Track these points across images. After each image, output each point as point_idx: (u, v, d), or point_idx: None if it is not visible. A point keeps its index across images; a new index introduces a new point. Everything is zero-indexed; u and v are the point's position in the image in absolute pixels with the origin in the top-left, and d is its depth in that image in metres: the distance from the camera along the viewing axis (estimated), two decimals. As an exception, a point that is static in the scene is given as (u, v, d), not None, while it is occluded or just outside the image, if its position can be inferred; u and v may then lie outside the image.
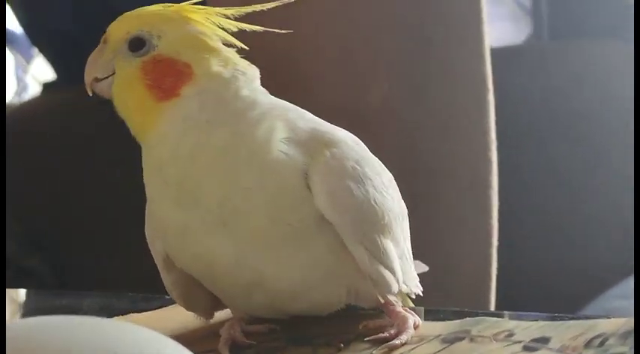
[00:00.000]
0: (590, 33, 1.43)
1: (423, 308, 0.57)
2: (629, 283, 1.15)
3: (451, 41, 0.86)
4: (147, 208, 0.54)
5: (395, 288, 0.53)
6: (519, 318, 0.53)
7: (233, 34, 0.53)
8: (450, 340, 0.51)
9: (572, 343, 0.48)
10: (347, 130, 0.55)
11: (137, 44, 0.52)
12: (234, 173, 0.50)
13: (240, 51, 0.54)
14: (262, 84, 0.54)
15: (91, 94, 0.54)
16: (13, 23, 1.35)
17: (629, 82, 1.11)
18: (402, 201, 0.56)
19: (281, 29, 0.54)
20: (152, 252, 0.55)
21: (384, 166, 0.55)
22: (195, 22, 0.53)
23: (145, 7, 0.53)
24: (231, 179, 0.50)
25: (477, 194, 0.87)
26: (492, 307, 0.86)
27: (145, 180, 0.53)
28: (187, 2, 0.54)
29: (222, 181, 0.50)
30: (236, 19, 0.53)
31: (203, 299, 0.56)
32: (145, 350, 0.38)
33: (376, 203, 0.52)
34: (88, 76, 0.53)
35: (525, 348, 0.49)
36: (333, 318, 0.55)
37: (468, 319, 0.53)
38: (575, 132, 1.36)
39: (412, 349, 0.51)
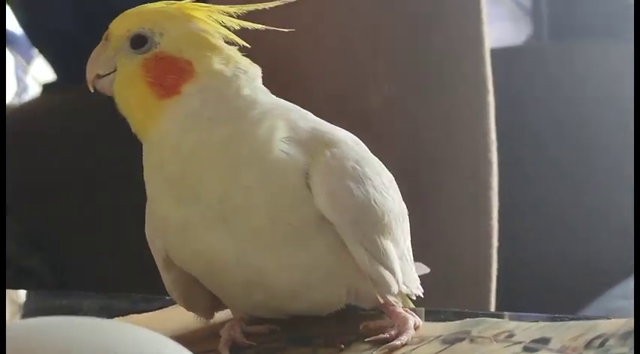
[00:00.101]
0: (590, 33, 1.43)
1: (423, 309, 0.57)
2: (629, 283, 1.15)
3: (451, 42, 0.86)
4: (147, 207, 0.54)
5: (395, 288, 0.53)
6: (519, 319, 0.53)
7: (234, 32, 0.53)
8: (451, 340, 0.51)
9: (573, 344, 0.48)
10: (347, 129, 0.55)
11: (139, 41, 0.52)
12: (235, 171, 0.50)
13: (241, 49, 0.54)
14: (263, 82, 0.54)
15: (92, 91, 0.54)
16: (13, 24, 1.35)
17: (629, 83, 1.11)
18: (403, 202, 0.56)
19: (282, 27, 0.54)
20: (152, 251, 0.55)
21: (384, 166, 0.55)
22: (197, 20, 0.53)
23: (146, 5, 0.53)
24: (232, 177, 0.50)
25: (477, 195, 0.87)
26: (492, 308, 0.86)
27: (146, 178, 0.53)
28: (188, 0, 0.53)
29: (223, 178, 0.50)
30: (238, 17, 0.53)
31: (203, 299, 0.56)
32: (144, 350, 0.38)
33: (376, 203, 0.52)
34: (90, 73, 0.53)
35: (526, 349, 0.49)
36: (334, 318, 0.55)
37: (468, 319, 0.53)
38: (575, 132, 1.36)
39: (413, 349, 0.51)
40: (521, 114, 1.33)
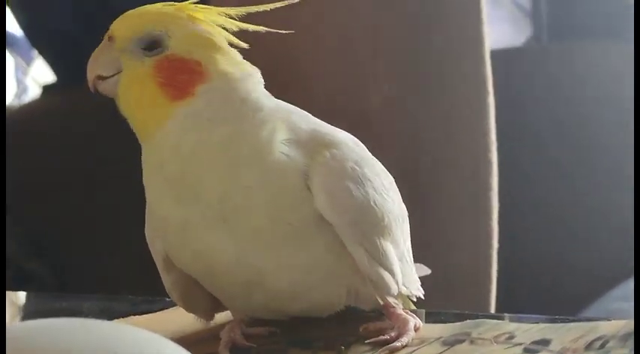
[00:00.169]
0: (590, 34, 1.43)
1: (423, 310, 0.57)
2: (630, 284, 1.15)
3: (451, 42, 0.86)
4: (147, 208, 0.54)
5: (394, 290, 0.53)
6: (520, 320, 0.53)
7: (232, 33, 0.53)
8: (451, 342, 0.51)
9: (573, 346, 0.48)
10: (347, 129, 0.55)
11: (150, 43, 0.52)
12: (235, 171, 0.50)
13: (240, 50, 0.54)
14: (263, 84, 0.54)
15: (93, 92, 0.53)
16: (12, 25, 1.35)
17: (629, 83, 1.11)
18: (402, 203, 0.56)
19: (282, 27, 0.53)
20: (152, 252, 0.55)
21: (384, 168, 0.55)
22: (200, 22, 0.53)
23: (148, 7, 0.53)
24: (232, 177, 0.50)
25: (477, 196, 0.87)
26: (492, 309, 0.86)
27: (145, 179, 0.53)
28: (188, 1, 0.53)
29: (223, 178, 0.50)
30: (237, 19, 0.53)
31: (203, 300, 0.56)
32: (144, 351, 0.38)
33: (376, 205, 0.52)
34: (91, 74, 0.53)
35: (526, 350, 0.49)
36: (334, 320, 0.55)
37: (468, 321, 0.53)
38: (575, 133, 1.36)
39: (413, 351, 0.51)
40: (521, 114, 1.33)
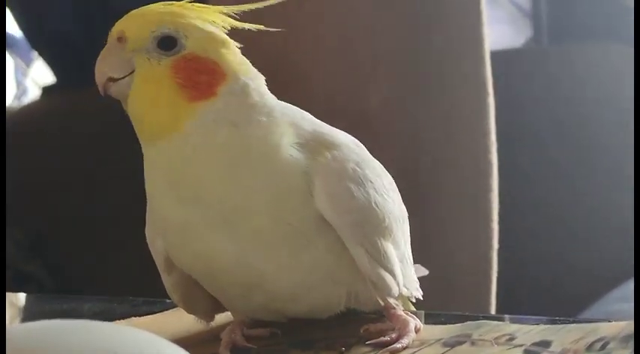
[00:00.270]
0: (590, 35, 1.43)
1: (423, 312, 0.57)
2: (630, 285, 1.15)
3: (451, 42, 0.86)
4: (147, 208, 0.54)
5: (395, 291, 0.53)
6: (520, 321, 0.53)
7: (228, 32, 0.53)
8: (451, 343, 0.51)
9: (573, 347, 0.48)
10: (347, 130, 0.55)
11: (167, 43, 0.51)
12: (245, 173, 0.50)
13: (240, 50, 0.53)
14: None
15: (103, 95, 0.52)
16: (12, 27, 1.35)
17: (629, 83, 1.11)
18: (403, 204, 0.56)
19: (281, 27, 0.53)
20: (152, 253, 0.55)
21: (384, 168, 0.55)
22: (209, 21, 0.52)
23: (152, 7, 0.52)
24: (234, 178, 0.50)
25: (477, 197, 0.87)
26: (493, 311, 0.86)
27: (148, 180, 0.52)
28: (185, 0, 0.53)
29: (225, 179, 0.50)
30: (234, 18, 0.53)
31: (203, 301, 0.56)
32: (145, 352, 0.38)
33: (377, 206, 0.52)
34: (102, 77, 0.51)
35: (526, 352, 0.49)
36: (334, 322, 0.55)
37: (469, 322, 0.53)
38: (575, 133, 1.36)
39: (413, 352, 0.51)
40: (521, 115, 1.33)
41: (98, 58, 0.52)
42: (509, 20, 1.50)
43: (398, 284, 0.53)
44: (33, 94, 1.59)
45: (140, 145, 0.52)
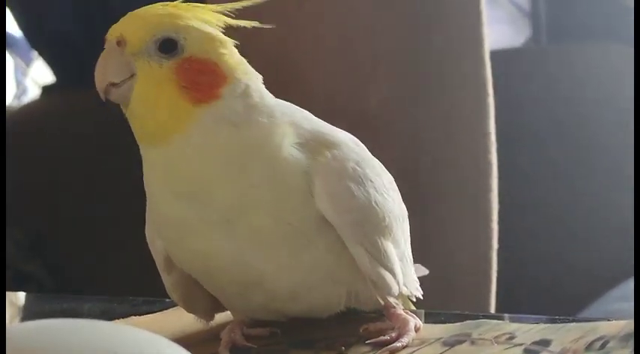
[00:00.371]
0: (590, 35, 1.43)
1: (423, 311, 0.57)
2: (629, 285, 1.15)
3: (451, 42, 0.86)
4: (147, 207, 0.54)
5: (395, 290, 0.53)
6: (520, 321, 0.53)
7: (229, 33, 0.53)
8: (451, 342, 0.51)
9: (573, 346, 0.48)
10: (347, 130, 0.55)
11: (169, 46, 0.50)
12: (247, 174, 0.50)
13: (240, 50, 0.53)
14: (263, 83, 0.54)
15: (104, 100, 0.51)
16: (12, 26, 1.35)
17: (629, 83, 1.11)
18: (402, 203, 0.56)
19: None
20: (152, 252, 0.55)
21: (384, 168, 0.55)
22: (206, 22, 0.52)
23: (150, 9, 0.52)
24: (235, 178, 0.50)
25: (476, 197, 0.87)
26: (493, 310, 0.86)
27: (148, 180, 0.52)
28: (179, 0, 0.53)
29: (235, 181, 0.50)
30: (229, 15, 0.53)
31: (203, 301, 0.56)
32: (145, 351, 0.38)
33: (377, 205, 0.52)
34: (102, 82, 0.51)
35: (526, 351, 0.49)
36: (334, 321, 0.55)
37: (468, 321, 0.53)
38: (574, 133, 1.36)
39: (413, 351, 0.51)
40: (521, 115, 1.33)
41: (97, 63, 0.51)
42: (509, 20, 1.50)
43: (398, 283, 0.53)
44: (33, 93, 1.59)
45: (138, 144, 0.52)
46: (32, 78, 1.61)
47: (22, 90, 1.62)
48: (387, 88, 0.84)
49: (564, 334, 0.49)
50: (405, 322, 0.53)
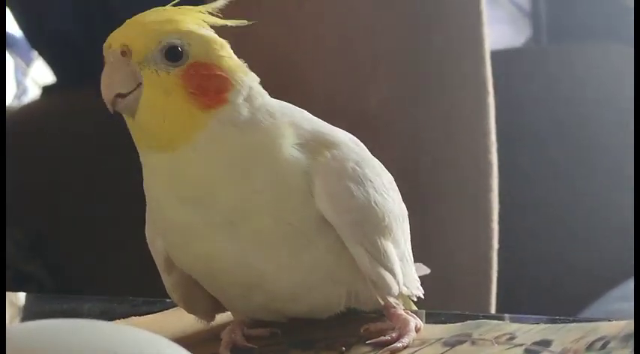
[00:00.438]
0: (590, 35, 1.43)
1: (424, 311, 0.57)
2: (630, 285, 1.14)
3: (451, 42, 0.86)
4: (147, 208, 0.54)
5: (395, 290, 0.53)
6: (520, 321, 0.53)
7: (229, 33, 0.53)
8: (452, 343, 0.51)
9: (574, 346, 0.48)
10: (347, 130, 0.55)
11: (175, 53, 0.50)
12: (240, 174, 0.50)
13: (240, 51, 0.53)
14: (263, 83, 0.53)
15: (112, 112, 0.51)
16: (12, 26, 1.35)
17: (629, 84, 1.11)
18: (402, 203, 0.56)
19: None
20: (152, 252, 0.55)
21: (384, 167, 0.55)
22: (205, 25, 0.52)
23: (150, 15, 0.51)
24: (236, 179, 0.50)
25: (477, 197, 0.87)
26: (493, 310, 0.86)
27: (147, 183, 0.52)
28: (174, 3, 0.52)
29: (239, 184, 0.50)
30: (218, 16, 0.52)
31: (204, 301, 0.56)
32: (145, 351, 0.38)
33: (377, 205, 0.52)
34: (110, 94, 0.50)
35: (527, 351, 0.48)
36: (334, 322, 0.55)
37: (469, 322, 0.53)
38: (574, 133, 1.36)
39: (414, 352, 0.51)
40: (521, 115, 1.33)
41: (103, 74, 0.51)
42: (509, 20, 1.50)
43: (398, 283, 0.53)
44: (33, 93, 1.59)
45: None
46: (32, 78, 1.61)
47: (22, 90, 1.62)
48: (387, 88, 0.84)
49: (565, 335, 0.49)
50: (406, 323, 0.53)
